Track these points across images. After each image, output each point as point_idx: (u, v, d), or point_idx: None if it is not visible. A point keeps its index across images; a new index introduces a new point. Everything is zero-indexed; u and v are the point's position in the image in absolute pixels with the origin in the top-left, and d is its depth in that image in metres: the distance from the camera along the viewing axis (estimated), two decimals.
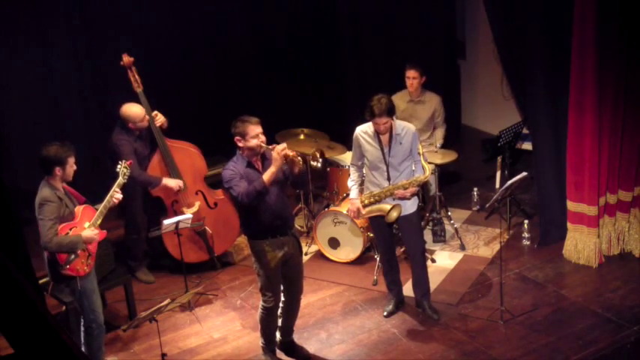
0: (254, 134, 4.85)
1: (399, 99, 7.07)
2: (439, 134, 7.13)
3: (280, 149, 4.79)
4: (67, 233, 4.85)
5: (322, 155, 4.94)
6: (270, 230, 4.99)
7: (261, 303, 5.21)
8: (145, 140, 6.29)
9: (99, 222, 4.99)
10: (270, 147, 4.88)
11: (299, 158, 4.89)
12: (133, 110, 6.08)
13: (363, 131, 5.45)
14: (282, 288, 5.22)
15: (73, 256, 4.87)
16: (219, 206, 6.55)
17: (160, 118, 6.27)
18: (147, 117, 6.15)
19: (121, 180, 5.16)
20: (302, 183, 5.32)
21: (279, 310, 5.30)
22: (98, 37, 7.51)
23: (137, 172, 5.99)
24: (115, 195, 5.05)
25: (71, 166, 4.92)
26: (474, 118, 9.57)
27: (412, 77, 6.96)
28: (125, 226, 6.53)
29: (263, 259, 5.03)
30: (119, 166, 5.22)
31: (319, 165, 5.00)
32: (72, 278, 4.93)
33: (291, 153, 4.83)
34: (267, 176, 4.82)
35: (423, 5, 8.58)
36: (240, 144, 4.91)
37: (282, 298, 5.26)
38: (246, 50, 8.41)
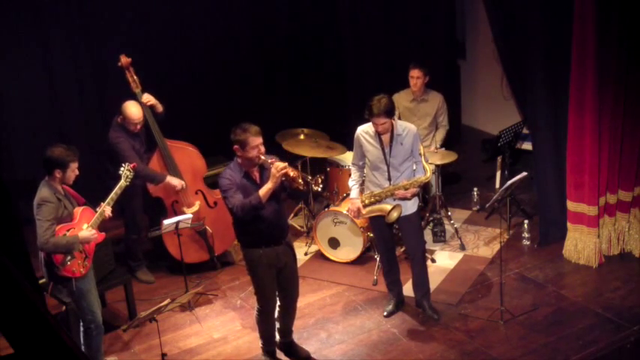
0: (254, 145, 4.76)
1: (403, 98, 7.08)
2: (439, 136, 7.13)
3: (280, 167, 4.69)
4: (65, 234, 4.83)
5: (324, 181, 4.99)
6: (265, 240, 4.94)
7: (256, 306, 5.22)
8: (142, 137, 6.27)
9: (97, 224, 4.98)
10: (269, 161, 4.79)
11: (300, 180, 4.83)
12: (129, 110, 6.01)
13: (365, 131, 5.45)
14: (277, 293, 5.17)
15: (69, 257, 4.84)
16: (219, 206, 6.54)
17: (146, 98, 6.13)
18: (139, 125, 6.08)
19: (123, 183, 5.13)
20: (299, 196, 5.20)
21: (276, 314, 5.28)
22: (98, 37, 7.50)
23: (141, 167, 5.93)
24: (107, 211, 4.99)
25: (73, 171, 4.88)
26: (474, 118, 9.56)
27: (416, 77, 6.96)
28: (125, 226, 6.52)
29: (256, 268, 5.00)
30: (122, 169, 5.18)
31: (320, 189, 5.00)
32: (68, 279, 4.90)
33: (292, 173, 4.74)
34: (263, 192, 4.74)
35: (422, 5, 8.57)
36: (238, 153, 4.83)
37: (279, 302, 5.23)
38: (246, 50, 8.41)
